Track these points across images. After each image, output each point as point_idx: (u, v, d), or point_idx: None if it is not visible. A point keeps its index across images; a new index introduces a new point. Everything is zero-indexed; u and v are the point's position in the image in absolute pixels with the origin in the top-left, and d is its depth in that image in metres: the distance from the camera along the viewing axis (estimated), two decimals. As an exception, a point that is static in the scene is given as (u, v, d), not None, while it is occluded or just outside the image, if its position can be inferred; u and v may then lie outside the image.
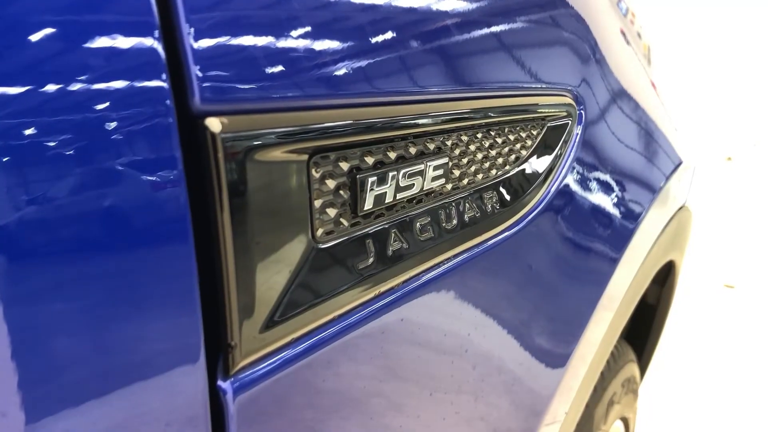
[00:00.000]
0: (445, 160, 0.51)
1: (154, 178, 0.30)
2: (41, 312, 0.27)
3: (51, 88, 0.26)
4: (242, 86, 0.34)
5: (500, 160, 0.62)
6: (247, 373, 0.37)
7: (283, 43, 0.36)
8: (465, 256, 0.56)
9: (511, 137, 0.63)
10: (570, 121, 0.73)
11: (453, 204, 0.55)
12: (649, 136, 1.06)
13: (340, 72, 0.40)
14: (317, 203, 0.40)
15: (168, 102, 0.30)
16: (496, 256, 0.61)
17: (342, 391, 0.46)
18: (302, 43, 0.37)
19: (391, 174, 0.45)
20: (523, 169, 0.65)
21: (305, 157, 0.38)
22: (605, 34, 0.86)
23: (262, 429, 0.40)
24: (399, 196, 0.47)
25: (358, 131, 0.42)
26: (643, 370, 1.68)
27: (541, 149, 0.68)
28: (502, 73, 0.59)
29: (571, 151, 0.73)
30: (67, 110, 0.27)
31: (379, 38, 0.43)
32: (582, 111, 0.75)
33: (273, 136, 0.36)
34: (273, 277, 0.38)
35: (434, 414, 0.58)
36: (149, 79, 0.30)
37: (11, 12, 0.26)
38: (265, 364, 0.38)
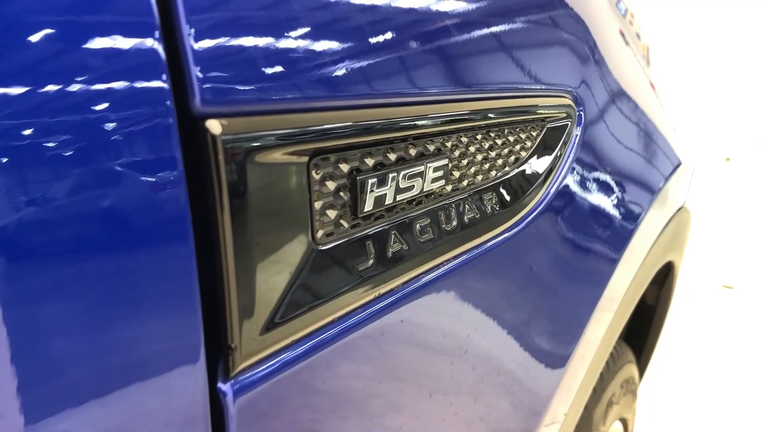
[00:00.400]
0: (444, 161, 0.51)
1: (154, 179, 0.30)
2: (41, 312, 0.27)
3: (51, 88, 0.26)
4: (243, 88, 0.34)
5: (500, 162, 0.62)
6: (248, 375, 0.37)
7: (284, 45, 0.36)
8: (465, 257, 0.56)
9: (511, 138, 0.63)
10: (569, 122, 0.73)
11: (453, 205, 0.55)
12: (649, 137, 1.06)
13: (340, 73, 0.40)
14: (317, 205, 0.40)
15: (168, 103, 0.30)
16: (496, 257, 0.61)
17: (342, 392, 0.46)
18: (302, 45, 0.37)
19: (391, 175, 0.45)
20: (523, 170, 0.65)
21: (305, 158, 0.38)
22: (604, 35, 0.86)
23: (262, 431, 0.39)
24: (399, 197, 0.47)
25: (358, 133, 0.42)
26: (642, 370, 1.68)
27: (541, 150, 0.68)
28: (502, 75, 0.59)
29: (570, 152, 0.73)
30: (67, 111, 0.27)
31: (379, 39, 0.43)
32: (581, 112, 0.75)
33: (273, 137, 0.36)
34: (273, 278, 0.38)
35: (434, 415, 0.58)
36: (150, 81, 0.30)
37: (11, 12, 0.26)
38: (266, 366, 0.38)
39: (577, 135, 0.74)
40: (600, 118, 0.81)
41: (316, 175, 0.40)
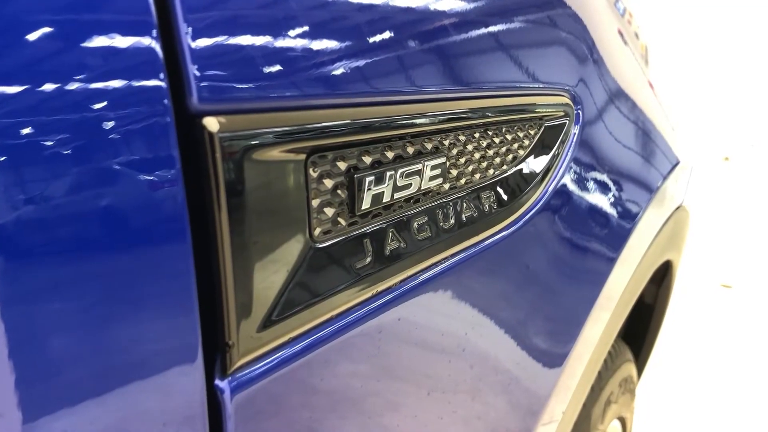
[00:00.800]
0: (442, 159, 0.51)
1: (151, 178, 0.30)
2: (38, 311, 0.27)
3: (49, 87, 0.27)
4: (240, 86, 0.34)
5: (497, 160, 0.62)
6: (245, 372, 0.37)
7: (281, 43, 0.36)
8: (462, 255, 0.56)
9: (509, 137, 0.63)
10: (567, 121, 0.73)
11: (450, 204, 0.55)
12: (647, 136, 1.06)
13: (338, 71, 0.40)
14: (315, 203, 0.40)
15: (166, 101, 0.30)
16: (494, 255, 0.61)
17: (339, 390, 0.46)
18: (300, 43, 0.37)
19: (388, 173, 0.45)
20: (521, 169, 0.66)
21: (303, 156, 0.38)
22: (603, 34, 0.86)
23: (259, 428, 0.40)
24: (396, 195, 0.47)
25: (356, 131, 0.42)
26: (640, 369, 1.68)
27: (539, 149, 0.68)
28: (500, 73, 0.59)
29: (568, 151, 0.73)
30: (65, 109, 0.27)
31: (377, 38, 0.43)
32: (579, 111, 0.75)
33: (271, 135, 0.36)
34: (270, 276, 0.38)
35: (431, 413, 0.58)
36: (147, 79, 0.30)
37: (10, 11, 0.26)
38: (263, 363, 0.38)
39: (575, 134, 0.74)
40: (598, 117, 0.82)
41: (313, 173, 0.40)
